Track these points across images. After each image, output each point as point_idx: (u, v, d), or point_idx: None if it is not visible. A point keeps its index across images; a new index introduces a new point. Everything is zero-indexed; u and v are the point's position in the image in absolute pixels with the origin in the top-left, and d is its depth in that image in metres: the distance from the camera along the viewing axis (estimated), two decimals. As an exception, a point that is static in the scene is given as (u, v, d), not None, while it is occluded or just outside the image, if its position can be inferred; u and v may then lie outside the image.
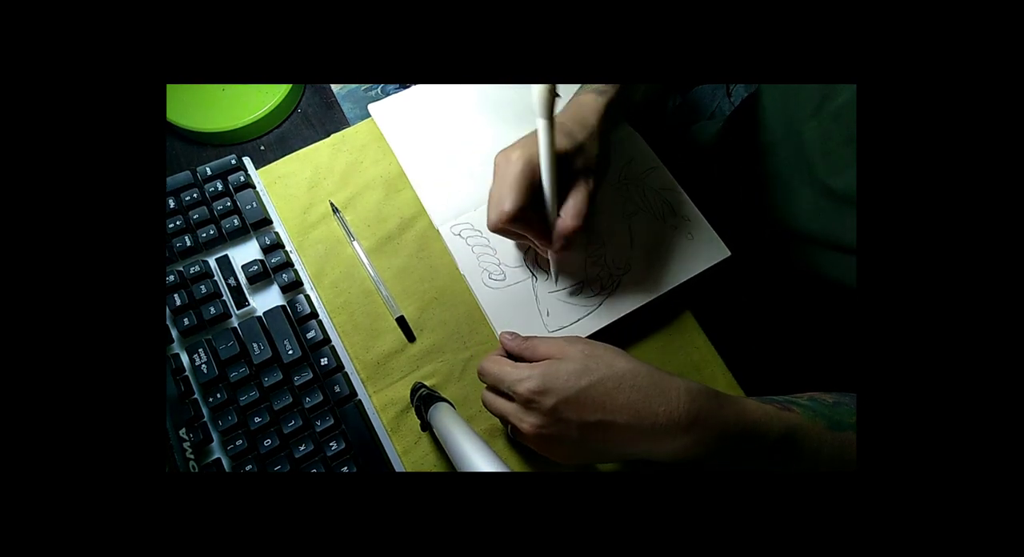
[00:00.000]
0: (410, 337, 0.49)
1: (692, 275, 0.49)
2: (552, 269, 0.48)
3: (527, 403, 0.37)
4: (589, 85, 0.48)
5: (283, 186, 0.53)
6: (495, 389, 0.41)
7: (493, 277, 0.49)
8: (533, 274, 0.49)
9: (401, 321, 0.49)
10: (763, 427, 0.37)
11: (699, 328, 0.50)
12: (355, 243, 0.50)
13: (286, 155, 0.54)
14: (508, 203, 0.41)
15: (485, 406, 0.42)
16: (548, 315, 0.48)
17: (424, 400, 0.41)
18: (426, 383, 0.46)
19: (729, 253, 0.50)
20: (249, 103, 0.55)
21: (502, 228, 0.43)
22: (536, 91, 0.38)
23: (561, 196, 0.43)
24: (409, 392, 0.46)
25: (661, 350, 0.50)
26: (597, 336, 0.48)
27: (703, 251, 0.50)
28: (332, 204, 0.51)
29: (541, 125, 0.39)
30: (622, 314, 0.48)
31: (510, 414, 0.39)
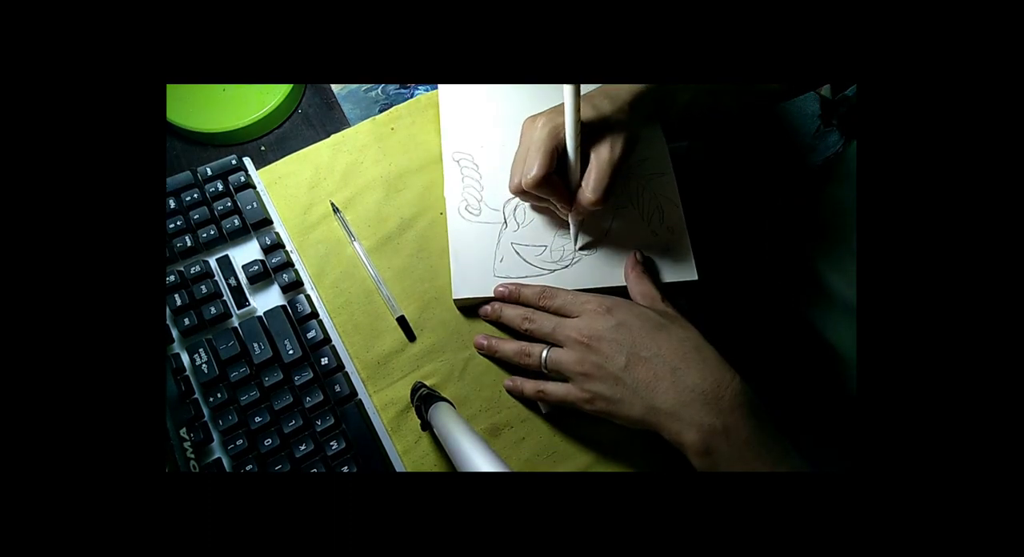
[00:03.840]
0: (410, 337, 0.49)
1: None
2: (572, 231, 0.49)
3: (595, 313, 0.42)
4: None
5: (283, 186, 0.53)
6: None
7: (470, 209, 0.51)
8: (505, 221, 0.50)
9: (402, 321, 0.49)
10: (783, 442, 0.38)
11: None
12: (356, 243, 0.50)
13: (286, 155, 0.54)
14: (535, 169, 0.43)
15: (529, 328, 0.45)
16: (500, 261, 0.49)
17: (424, 400, 0.41)
18: (426, 383, 0.47)
19: (696, 277, 0.48)
20: (249, 103, 0.55)
21: (525, 192, 0.44)
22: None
23: (585, 164, 0.44)
24: (409, 392, 0.46)
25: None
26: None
27: (670, 266, 0.49)
28: (333, 204, 0.51)
29: (567, 90, 0.40)
30: (567, 288, 0.48)
31: (566, 324, 0.43)
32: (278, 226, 0.50)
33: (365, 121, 0.56)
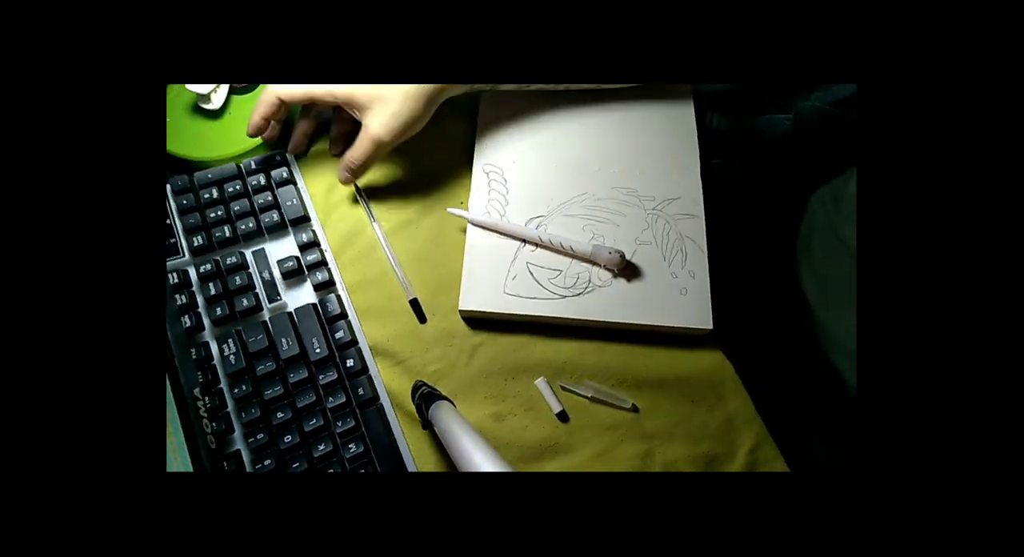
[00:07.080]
0: (422, 319, 0.48)
1: (660, 325, 0.47)
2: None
3: None
4: None
5: (311, 163, 0.54)
6: None
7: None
8: (524, 242, 0.49)
9: (414, 303, 0.48)
10: None
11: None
12: (375, 224, 0.51)
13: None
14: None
15: None
16: (513, 279, 0.48)
17: (425, 398, 0.40)
18: (433, 366, 0.46)
19: (711, 327, 0.46)
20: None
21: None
22: None
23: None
24: (411, 388, 0.45)
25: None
26: (545, 324, 0.48)
27: (685, 312, 0.47)
28: (356, 186, 0.52)
29: None
30: (575, 316, 0.47)
31: None
32: (315, 224, 0.50)
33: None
